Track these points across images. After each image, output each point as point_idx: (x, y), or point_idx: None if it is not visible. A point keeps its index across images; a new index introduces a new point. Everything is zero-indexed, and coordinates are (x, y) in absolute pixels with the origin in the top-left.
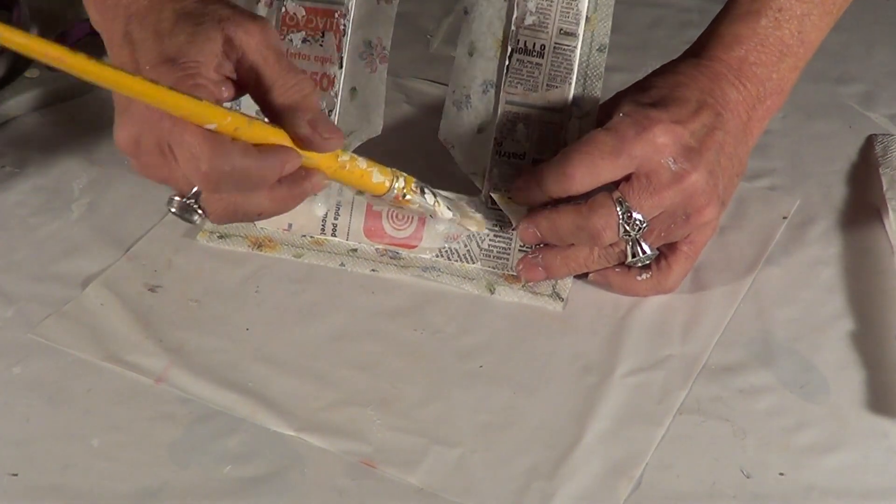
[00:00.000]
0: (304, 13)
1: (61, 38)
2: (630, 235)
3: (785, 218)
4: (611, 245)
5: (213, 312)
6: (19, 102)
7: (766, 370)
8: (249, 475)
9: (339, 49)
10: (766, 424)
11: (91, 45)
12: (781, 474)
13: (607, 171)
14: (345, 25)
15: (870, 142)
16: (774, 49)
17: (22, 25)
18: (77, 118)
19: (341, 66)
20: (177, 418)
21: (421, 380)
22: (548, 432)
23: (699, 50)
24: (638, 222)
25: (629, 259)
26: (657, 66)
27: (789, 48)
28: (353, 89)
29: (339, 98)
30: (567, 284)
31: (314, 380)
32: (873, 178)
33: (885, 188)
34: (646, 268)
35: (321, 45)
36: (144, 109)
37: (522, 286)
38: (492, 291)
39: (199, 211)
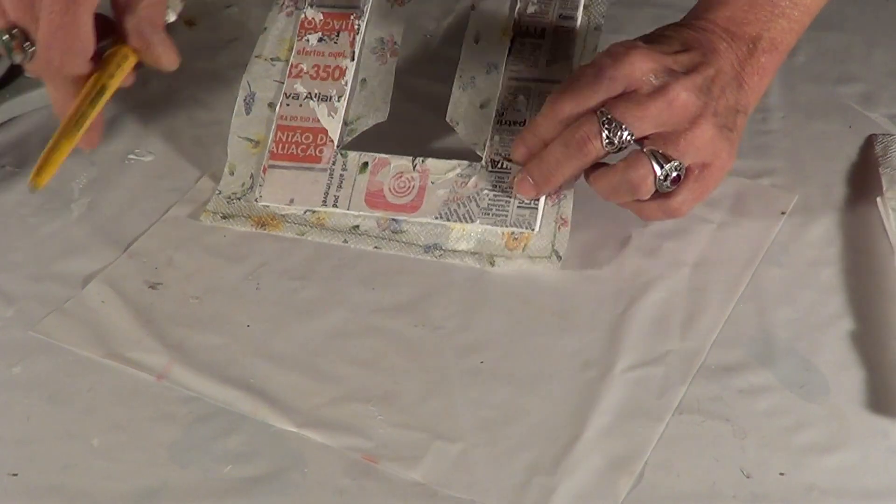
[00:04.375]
0: (322, 18)
1: None
2: (615, 144)
3: (783, 213)
4: (582, 136)
5: (213, 309)
6: (19, 102)
7: (766, 370)
8: (250, 475)
9: (353, 45)
10: (766, 424)
11: None
12: (781, 474)
13: (590, 96)
14: (359, 25)
15: (870, 142)
16: (763, 10)
17: None
18: None
19: (353, 59)
20: (177, 418)
21: (422, 376)
22: (548, 427)
23: (686, 17)
24: (623, 130)
25: (659, 175)
26: None
27: (781, 10)
28: (364, 80)
29: (348, 86)
30: (564, 242)
31: (315, 376)
32: (873, 178)
33: (885, 188)
34: (675, 183)
35: (335, 43)
36: None
37: (522, 250)
38: (492, 264)
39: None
